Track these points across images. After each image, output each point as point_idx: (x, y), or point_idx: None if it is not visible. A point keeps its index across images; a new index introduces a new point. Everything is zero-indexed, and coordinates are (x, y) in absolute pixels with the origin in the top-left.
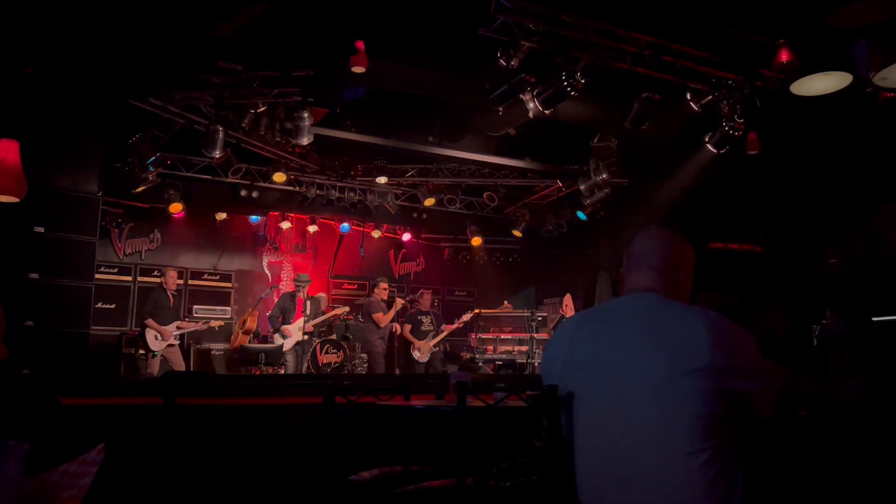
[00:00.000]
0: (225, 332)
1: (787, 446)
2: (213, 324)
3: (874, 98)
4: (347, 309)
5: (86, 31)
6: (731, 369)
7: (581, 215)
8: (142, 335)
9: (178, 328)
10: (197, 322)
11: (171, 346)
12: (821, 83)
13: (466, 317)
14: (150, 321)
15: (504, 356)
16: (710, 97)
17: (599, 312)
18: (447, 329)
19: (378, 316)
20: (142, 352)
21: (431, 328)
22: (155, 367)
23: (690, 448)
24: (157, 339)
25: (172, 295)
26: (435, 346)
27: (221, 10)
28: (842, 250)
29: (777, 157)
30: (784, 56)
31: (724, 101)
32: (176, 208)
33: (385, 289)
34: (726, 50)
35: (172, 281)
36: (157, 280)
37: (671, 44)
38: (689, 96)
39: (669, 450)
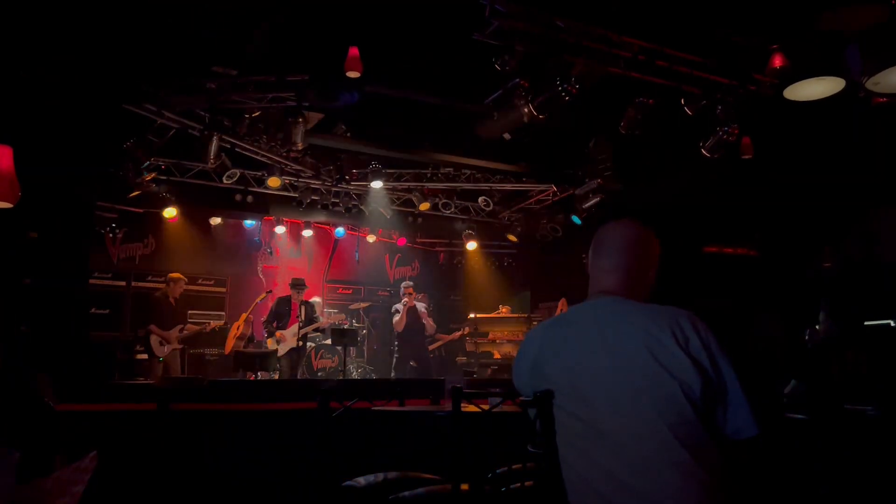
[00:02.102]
0: (219, 337)
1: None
2: (214, 324)
3: (867, 102)
4: (343, 317)
5: (80, 36)
6: (697, 362)
7: (576, 220)
8: (146, 340)
9: (181, 332)
10: (199, 325)
11: (174, 350)
12: (814, 88)
13: (465, 331)
14: (153, 327)
15: (500, 360)
16: (704, 102)
17: (562, 322)
18: (443, 339)
19: (394, 322)
20: (145, 357)
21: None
22: (157, 373)
23: (673, 450)
24: (161, 344)
25: (175, 300)
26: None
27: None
28: (836, 253)
29: (771, 161)
30: (777, 61)
31: (719, 106)
32: (171, 214)
33: (409, 292)
34: (720, 55)
35: (179, 289)
36: (157, 285)
37: (665, 48)
38: (683, 101)
39: (647, 460)
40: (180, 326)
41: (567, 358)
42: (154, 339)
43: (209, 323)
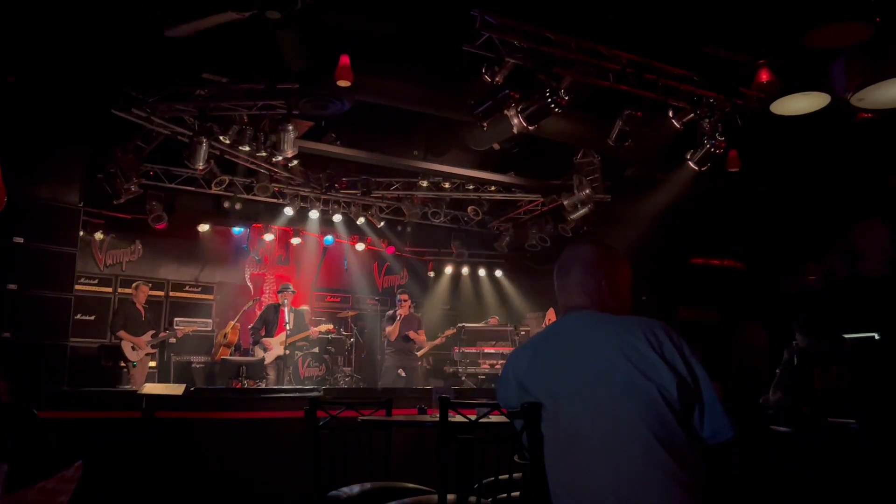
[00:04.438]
0: (206, 345)
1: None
2: (187, 329)
3: (852, 118)
4: (331, 327)
5: (68, 41)
6: (672, 365)
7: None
8: (118, 348)
9: (152, 337)
10: (174, 332)
11: (147, 354)
12: (800, 103)
13: (449, 332)
14: (122, 333)
15: (487, 370)
16: (692, 115)
17: (544, 338)
18: (429, 345)
19: (388, 328)
20: (122, 364)
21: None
22: (137, 379)
23: (656, 453)
24: (133, 349)
25: (143, 308)
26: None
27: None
28: (820, 267)
29: (757, 175)
30: (764, 76)
31: (706, 119)
32: (158, 221)
33: (405, 302)
34: (707, 69)
35: (143, 295)
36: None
37: (653, 62)
38: (671, 114)
39: (627, 468)
40: (152, 332)
41: (549, 372)
42: (126, 345)
43: (181, 329)
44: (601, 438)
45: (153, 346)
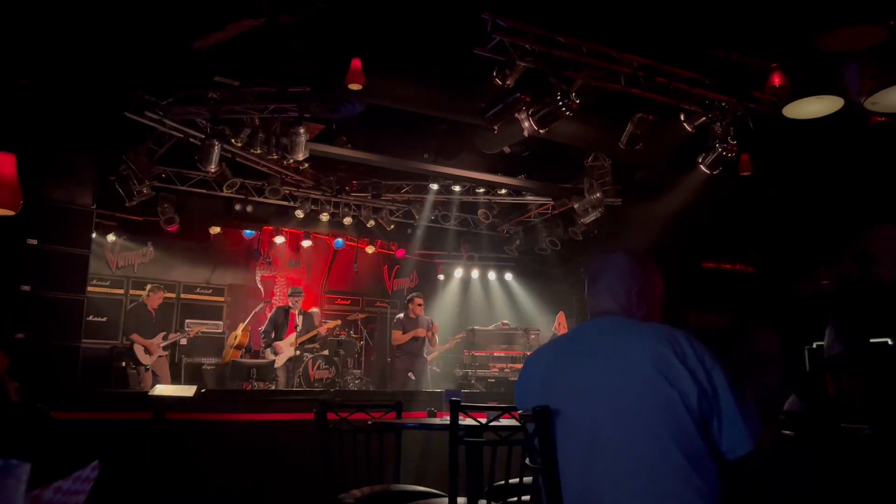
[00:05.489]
0: (216, 347)
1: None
2: (197, 329)
3: (865, 121)
4: (339, 323)
5: (81, 44)
6: (694, 374)
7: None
8: (130, 351)
9: (164, 339)
10: (184, 333)
11: (160, 357)
12: (813, 107)
13: (458, 337)
14: (135, 336)
15: (497, 374)
16: (704, 118)
17: (569, 340)
18: (439, 348)
19: (394, 333)
20: (133, 366)
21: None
22: (148, 381)
23: (673, 456)
24: (146, 352)
25: (154, 311)
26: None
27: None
28: (833, 272)
29: (769, 179)
30: (777, 80)
31: (718, 123)
32: (170, 223)
33: (420, 304)
34: (719, 72)
35: (157, 300)
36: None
37: (665, 65)
38: (682, 117)
39: (646, 471)
40: (163, 334)
41: (572, 370)
42: (138, 349)
43: (191, 330)
44: (621, 440)
45: (164, 349)
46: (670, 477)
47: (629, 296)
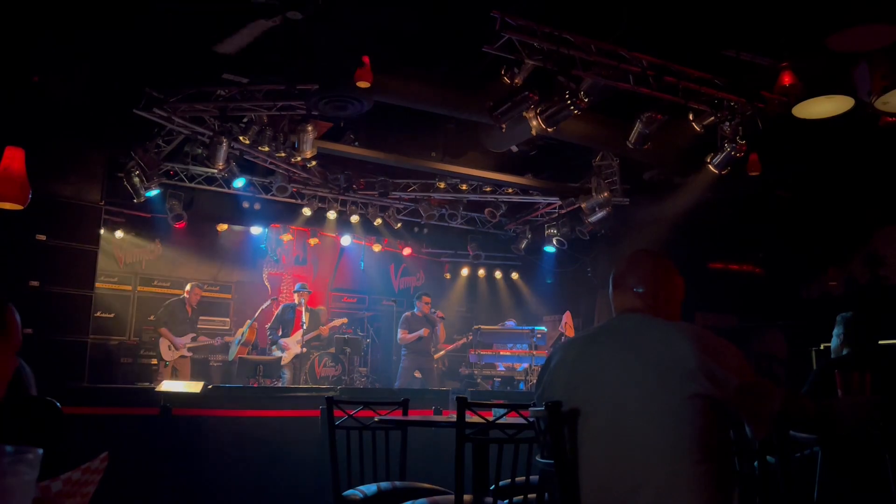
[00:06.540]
0: (223, 344)
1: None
2: (227, 339)
3: (876, 121)
4: (345, 321)
5: (92, 42)
6: (718, 374)
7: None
8: (155, 344)
9: (192, 341)
10: (213, 338)
11: (183, 357)
12: (823, 107)
13: (467, 338)
14: (163, 330)
15: (503, 373)
16: (713, 118)
17: (593, 334)
18: (445, 347)
19: (401, 332)
20: (154, 361)
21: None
22: (165, 377)
23: (688, 463)
24: (170, 349)
25: (192, 308)
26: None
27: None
28: (841, 274)
29: (778, 179)
30: (786, 79)
31: (727, 123)
32: (178, 220)
33: (427, 303)
34: (729, 72)
35: (196, 297)
36: (162, 290)
37: (673, 65)
38: (691, 117)
39: (668, 464)
40: (192, 335)
41: (599, 368)
42: (163, 344)
43: (222, 338)
44: (645, 434)
45: (189, 350)
46: (691, 470)
47: (655, 297)
